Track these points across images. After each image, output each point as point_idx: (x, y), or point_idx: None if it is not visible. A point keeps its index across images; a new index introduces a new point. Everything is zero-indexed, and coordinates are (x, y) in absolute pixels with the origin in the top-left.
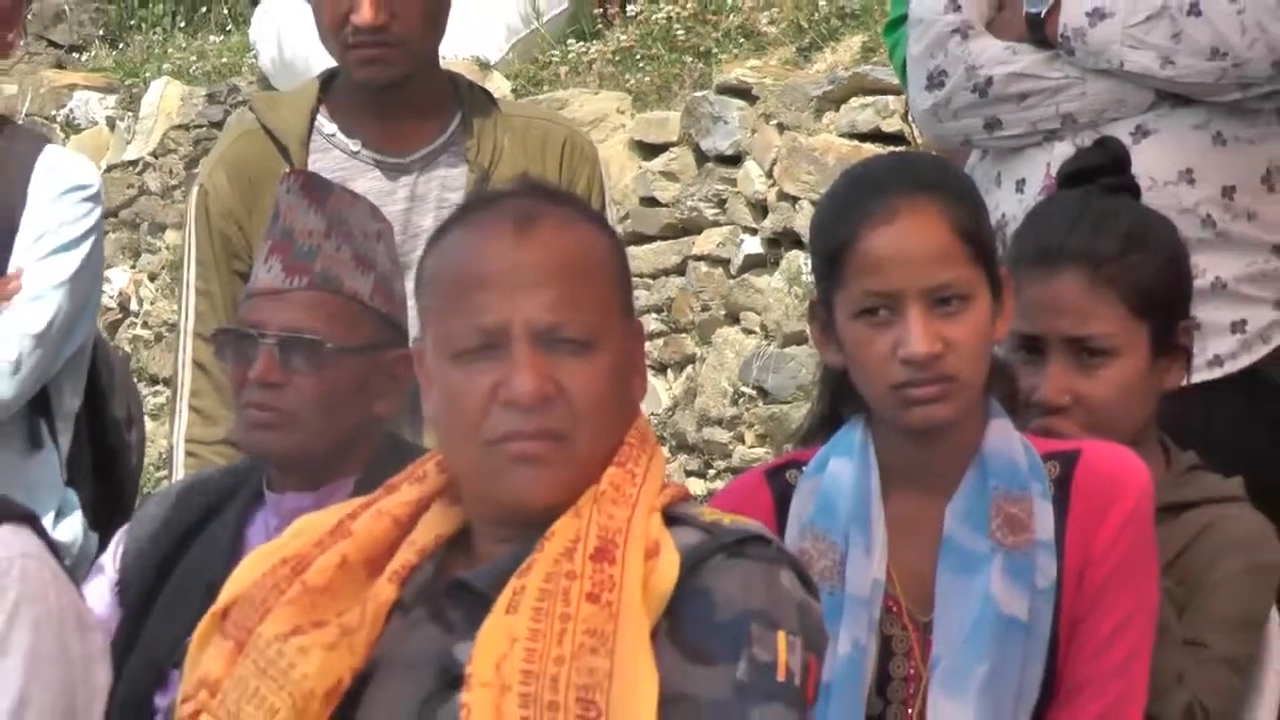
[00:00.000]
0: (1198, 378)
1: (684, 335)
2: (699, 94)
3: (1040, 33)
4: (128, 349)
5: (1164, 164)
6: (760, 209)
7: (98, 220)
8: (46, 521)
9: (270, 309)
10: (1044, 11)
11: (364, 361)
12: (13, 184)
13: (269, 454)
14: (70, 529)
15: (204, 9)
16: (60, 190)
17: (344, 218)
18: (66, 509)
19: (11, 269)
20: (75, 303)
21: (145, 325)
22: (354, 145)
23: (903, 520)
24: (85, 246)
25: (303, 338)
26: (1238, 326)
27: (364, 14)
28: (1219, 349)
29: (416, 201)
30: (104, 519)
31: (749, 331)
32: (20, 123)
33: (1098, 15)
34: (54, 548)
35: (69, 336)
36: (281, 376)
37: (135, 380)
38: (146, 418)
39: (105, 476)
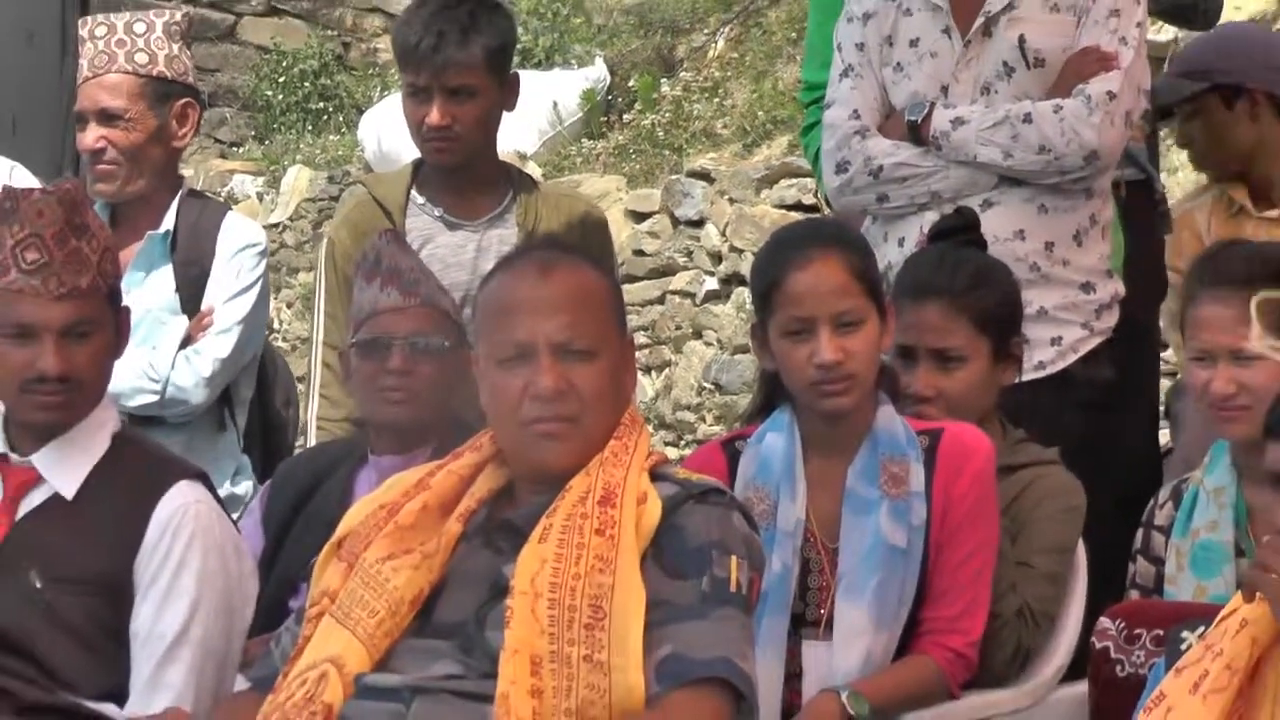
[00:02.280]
0: (1026, 377)
1: (663, 346)
2: (674, 177)
3: (917, 134)
4: None
5: (1003, 226)
6: (717, 258)
7: (265, 269)
8: (226, 479)
9: (397, 321)
10: (920, 119)
11: (455, 356)
12: (205, 242)
13: (400, 423)
14: (245, 485)
15: (325, 117)
16: (239, 247)
17: (421, 260)
18: (243, 471)
19: (204, 307)
20: (249, 331)
21: (284, 340)
22: (437, 211)
23: (817, 477)
24: (256, 289)
25: (423, 339)
26: (1055, 341)
27: (433, 118)
28: (1041, 357)
29: (482, 253)
30: (269, 475)
31: (709, 344)
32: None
33: (958, 122)
34: (216, 494)
35: (244, 354)
36: (411, 367)
37: None
38: None
39: (270, 445)
